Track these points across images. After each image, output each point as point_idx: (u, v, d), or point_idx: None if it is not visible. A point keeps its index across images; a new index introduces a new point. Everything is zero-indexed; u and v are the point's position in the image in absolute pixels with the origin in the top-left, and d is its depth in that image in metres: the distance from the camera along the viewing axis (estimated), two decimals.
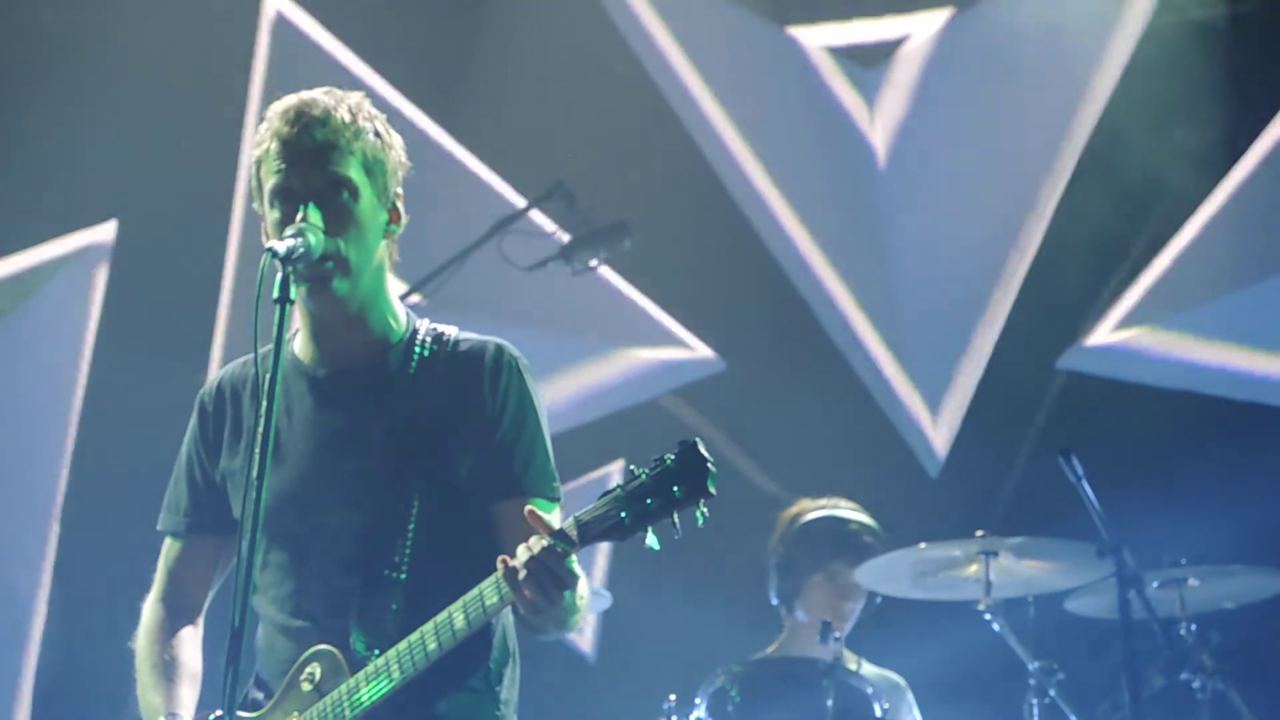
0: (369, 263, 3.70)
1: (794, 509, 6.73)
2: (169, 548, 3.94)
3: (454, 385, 3.74)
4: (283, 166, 3.65)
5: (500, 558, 3.44)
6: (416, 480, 3.67)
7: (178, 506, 3.92)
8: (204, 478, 3.89)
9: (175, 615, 3.90)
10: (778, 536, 6.69)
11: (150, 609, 3.92)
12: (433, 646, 3.51)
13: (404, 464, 3.68)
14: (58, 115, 8.17)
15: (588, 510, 3.40)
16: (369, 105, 3.77)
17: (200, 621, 3.92)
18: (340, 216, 3.64)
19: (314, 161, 3.64)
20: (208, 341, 8.25)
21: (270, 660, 3.76)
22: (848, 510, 6.63)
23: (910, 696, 6.58)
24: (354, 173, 3.67)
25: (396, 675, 3.54)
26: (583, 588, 3.50)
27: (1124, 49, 7.98)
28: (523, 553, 3.40)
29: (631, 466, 3.39)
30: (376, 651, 3.60)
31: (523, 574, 3.38)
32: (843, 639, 6.32)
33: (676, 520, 3.37)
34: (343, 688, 3.60)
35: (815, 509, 6.66)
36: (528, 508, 3.45)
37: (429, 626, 3.53)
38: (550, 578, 3.38)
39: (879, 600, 6.56)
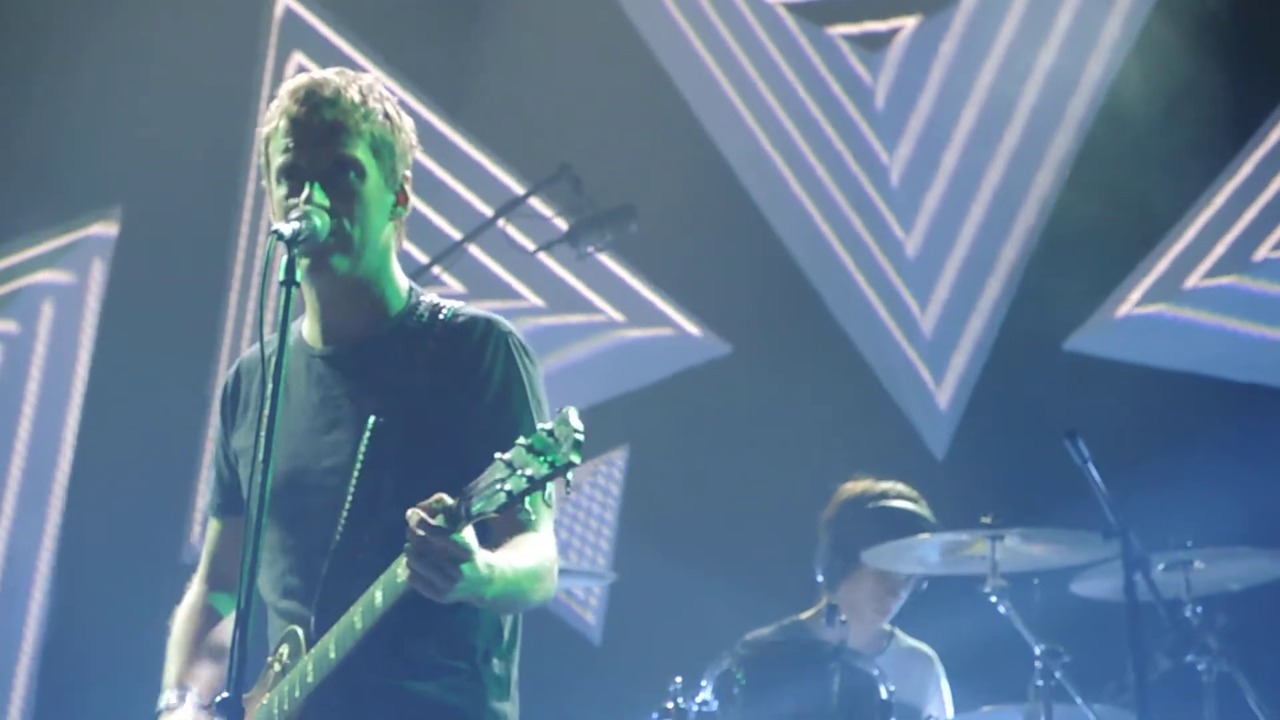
0: (371, 242, 3.70)
1: (853, 488, 6.59)
2: (209, 528, 4.03)
3: (440, 358, 3.71)
4: (290, 145, 3.66)
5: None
6: (393, 456, 3.64)
7: (211, 488, 3.99)
8: (226, 460, 3.94)
9: (210, 593, 3.97)
10: (834, 513, 6.57)
11: (191, 588, 4.00)
12: (359, 625, 3.48)
13: (383, 441, 3.65)
14: (65, 105, 8.20)
15: (467, 488, 3.30)
16: (381, 87, 3.77)
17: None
18: (346, 196, 3.64)
19: (321, 141, 3.65)
20: (214, 330, 8.27)
21: (272, 640, 3.78)
22: (908, 502, 6.50)
23: (939, 669, 6.59)
24: (361, 153, 3.67)
25: (334, 655, 3.52)
26: (499, 562, 3.40)
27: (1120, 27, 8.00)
28: (410, 532, 3.30)
29: (521, 440, 3.28)
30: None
31: (412, 554, 3.29)
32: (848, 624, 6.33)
33: (550, 489, 3.29)
34: (296, 669, 3.61)
35: (875, 495, 6.55)
36: (435, 499, 3.31)
37: (357, 604, 3.49)
38: (441, 555, 3.27)
39: (925, 585, 6.55)
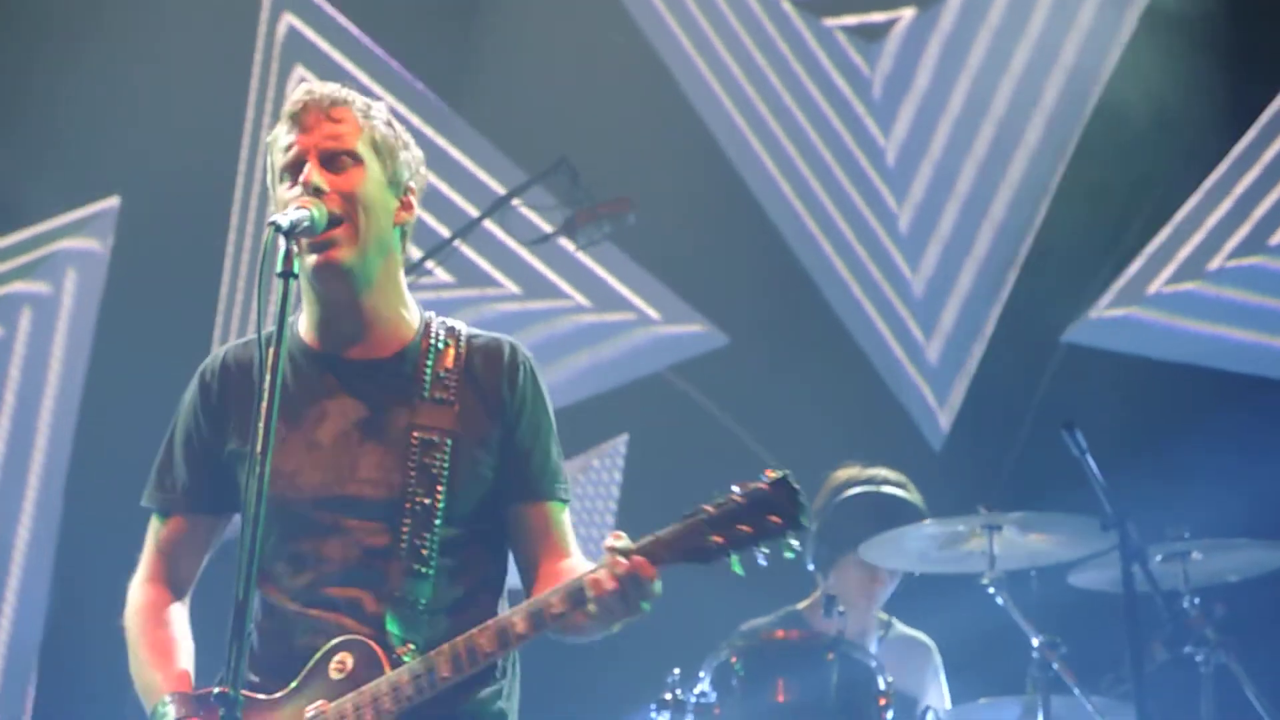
0: (375, 240, 3.70)
1: (841, 475, 6.58)
2: (160, 526, 3.89)
3: (472, 384, 3.76)
4: (291, 141, 3.70)
5: (589, 577, 3.50)
6: (440, 476, 3.68)
7: (174, 485, 3.86)
8: (206, 455, 3.84)
9: (166, 594, 3.87)
10: (821, 501, 6.54)
11: (140, 589, 3.88)
12: (491, 649, 3.56)
13: (428, 460, 3.69)
14: (66, 91, 8.19)
15: (671, 530, 3.45)
16: (388, 110, 3.82)
17: (188, 600, 3.90)
18: (346, 189, 3.66)
19: (320, 132, 3.68)
20: (209, 318, 8.27)
21: (279, 647, 3.71)
22: (894, 488, 6.49)
23: (937, 659, 6.58)
24: (361, 147, 3.70)
25: (448, 673, 3.55)
26: None
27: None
28: (613, 571, 3.47)
29: (733, 489, 3.43)
30: (414, 647, 3.61)
31: (613, 590, 3.45)
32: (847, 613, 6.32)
33: (763, 549, 3.42)
34: (383, 681, 3.58)
35: (862, 481, 6.54)
36: (613, 535, 3.51)
37: (488, 628, 3.56)
38: (640, 594, 3.46)
39: (916, 574, 6.54)
